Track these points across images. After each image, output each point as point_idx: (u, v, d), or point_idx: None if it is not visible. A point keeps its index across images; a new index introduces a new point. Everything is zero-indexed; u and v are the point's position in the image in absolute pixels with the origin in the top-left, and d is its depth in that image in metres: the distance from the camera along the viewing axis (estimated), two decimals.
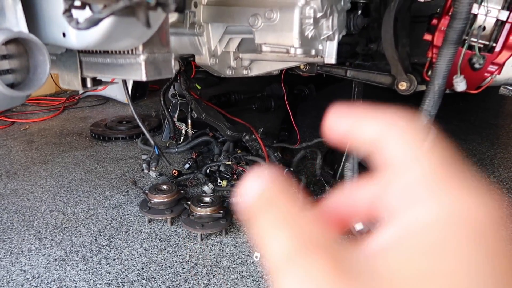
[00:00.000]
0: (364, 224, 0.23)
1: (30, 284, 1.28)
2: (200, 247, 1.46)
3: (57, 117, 3.00)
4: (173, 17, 1.32)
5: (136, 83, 2.70)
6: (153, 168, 1.93)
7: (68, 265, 1.36)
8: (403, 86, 1.40)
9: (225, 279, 1.30)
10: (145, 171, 1.95)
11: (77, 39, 0.74)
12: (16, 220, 1.63)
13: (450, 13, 1.05)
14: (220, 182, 1.85)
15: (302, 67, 1.63)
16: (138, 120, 1.71)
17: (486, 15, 1.20)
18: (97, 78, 0.99)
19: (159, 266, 1.36)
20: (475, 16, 1.21)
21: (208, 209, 1.52)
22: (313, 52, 1.28)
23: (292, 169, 1.85)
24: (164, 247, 1.46)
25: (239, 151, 2.02)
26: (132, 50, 0.87)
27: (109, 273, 1.33)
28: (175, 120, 2.22)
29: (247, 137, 1.96)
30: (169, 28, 0.93)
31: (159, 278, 1.31)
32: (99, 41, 0.71)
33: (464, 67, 1.26)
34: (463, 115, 3.07)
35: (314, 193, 1.81)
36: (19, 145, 2.43)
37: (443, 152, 0.19)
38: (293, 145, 2.04)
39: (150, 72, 0.88)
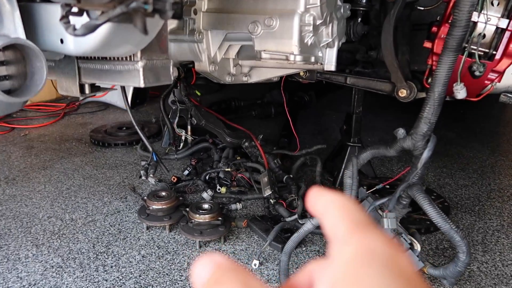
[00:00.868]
0: None
1: None
2: (199, 255, 1.45)
3: (57, 123, 3.00)
4: (172, 23, 1.32)
5: (136, 89, 2.71)
6: (151, 175, 1.92)
7: (65, 272, 1.35)
8: (403, 93, 1.40)
9: None
10: (143, 177, 1.94)
11: (74, 45, 0.73)
12: (13, 226, 1.62)
13: (450, 21, 1.05)
14: (219, 189, 1.85)
15: (302, 74, 1.63)
16: (136, 126, 1.71)
17: (486, 23, 1.20)
18: (96, 84, 0.99)
19: (157, 273, 1.35)
20: (475, 23, 1.21)
21: (206, 216, 1.51)
22: (312, 59, 1.28)
23: (291, 176, 1.84)
24: (162, 254, 1.45)
25: (238, 158, 2.01)
26: (130, 57, 0.87)
27: (106, 280, 1.31)
28: (175, 126, 2.22)
29: (246, 144, 1.95)
30: (167, 34, 0.93)
31: (156, 285, 1.29)
32: (96, 47, 0.71)
33: (464, 75, 1.26)
34: (463, 123, 3.07)
35: None
36: (18, 151, 2.43)
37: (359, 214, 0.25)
38: (293, 152, 2.04)
39: (148, 78, 0.88)
